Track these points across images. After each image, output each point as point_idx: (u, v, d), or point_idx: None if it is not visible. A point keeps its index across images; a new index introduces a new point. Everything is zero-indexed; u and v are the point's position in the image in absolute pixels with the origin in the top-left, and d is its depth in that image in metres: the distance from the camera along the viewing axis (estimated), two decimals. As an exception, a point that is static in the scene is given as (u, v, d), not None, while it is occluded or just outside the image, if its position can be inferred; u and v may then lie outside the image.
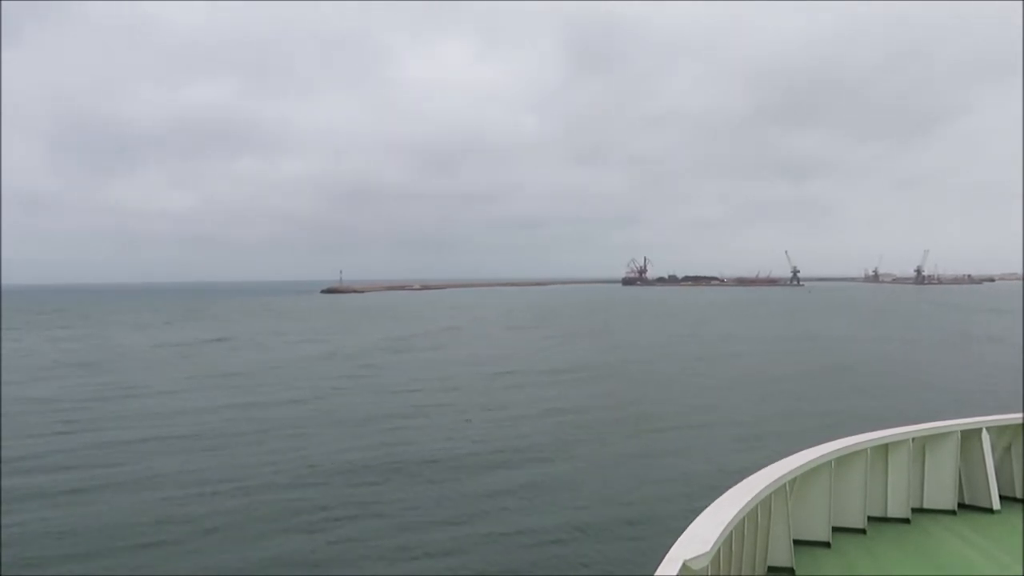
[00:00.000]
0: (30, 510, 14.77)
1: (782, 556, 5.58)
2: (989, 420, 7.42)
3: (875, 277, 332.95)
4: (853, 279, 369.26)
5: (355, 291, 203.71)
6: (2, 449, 19.74)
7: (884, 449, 6.77)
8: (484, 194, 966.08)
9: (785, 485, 5.56)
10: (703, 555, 3.51)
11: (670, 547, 3.59)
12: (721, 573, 4.28)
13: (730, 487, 4.93)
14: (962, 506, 7.08)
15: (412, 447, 19.80)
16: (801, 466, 5.70)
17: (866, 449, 6.45)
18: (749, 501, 4.67)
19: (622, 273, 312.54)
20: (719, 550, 4.11)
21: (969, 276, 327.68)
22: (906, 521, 6.70)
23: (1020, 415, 7.63)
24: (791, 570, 5.54)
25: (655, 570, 3.27)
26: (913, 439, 6.89)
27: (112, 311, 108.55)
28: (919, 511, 6.94)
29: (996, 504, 7.03)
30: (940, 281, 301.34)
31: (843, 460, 6.33)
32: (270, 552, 12.48)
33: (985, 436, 7.24)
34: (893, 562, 5.79)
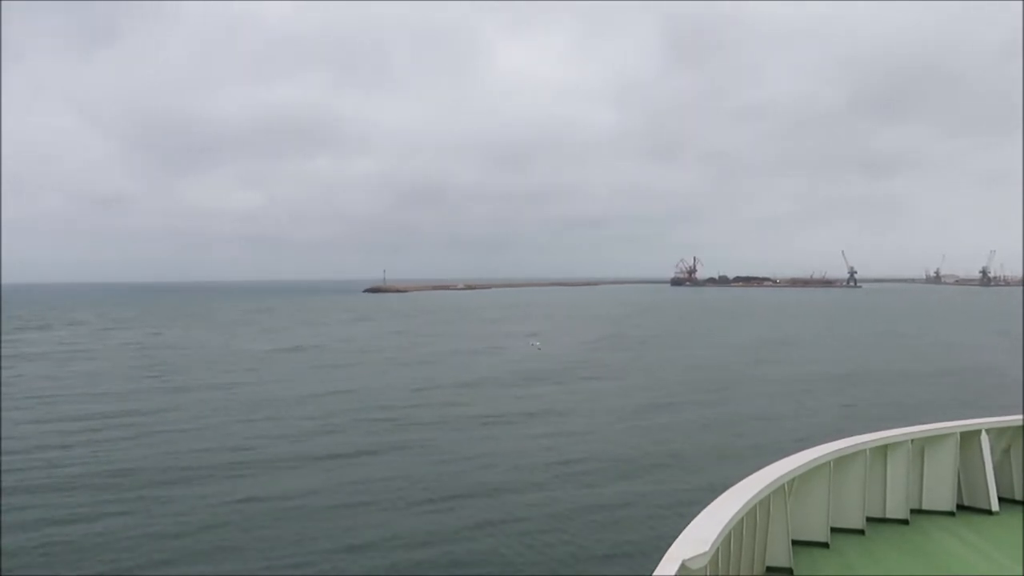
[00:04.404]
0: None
1: (781, 556, 5.69)
2: (988, 422, 7.43)
3: (937, 278, 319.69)
4: (913, 280, 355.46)
5: (397, 290, 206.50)
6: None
7: (883, 450, 6.85)
8: (549, 193, 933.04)
9: (784, 485, 5.68)
10: (702, 555, 3.56)
11: (669, 547, 3.63)
12: (720, 573, 4.42)
13: (729, 487, 5.08)
14: (961, 507, 7.14)
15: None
16: (800, 466, 5.81)
17: (865, 450, 6.54)
18: (748, 501, 4.81)
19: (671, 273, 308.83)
20: (718, 550, 4.15)
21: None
22: (905, 522, 6.78)
23: (1019, 417, 7.63)
24: (789, 570, 5.65)
25: (654, 570, 3.31)
26: (912, 440, 6.96)
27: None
28: (918, 512, 7.02)
29: (995, 506, 7.09)
30: (1007, 283, 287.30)
31: (842, 461, 6.42)
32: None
33: (984, 438, 7.27)
34: (892, 563, 5.90)
